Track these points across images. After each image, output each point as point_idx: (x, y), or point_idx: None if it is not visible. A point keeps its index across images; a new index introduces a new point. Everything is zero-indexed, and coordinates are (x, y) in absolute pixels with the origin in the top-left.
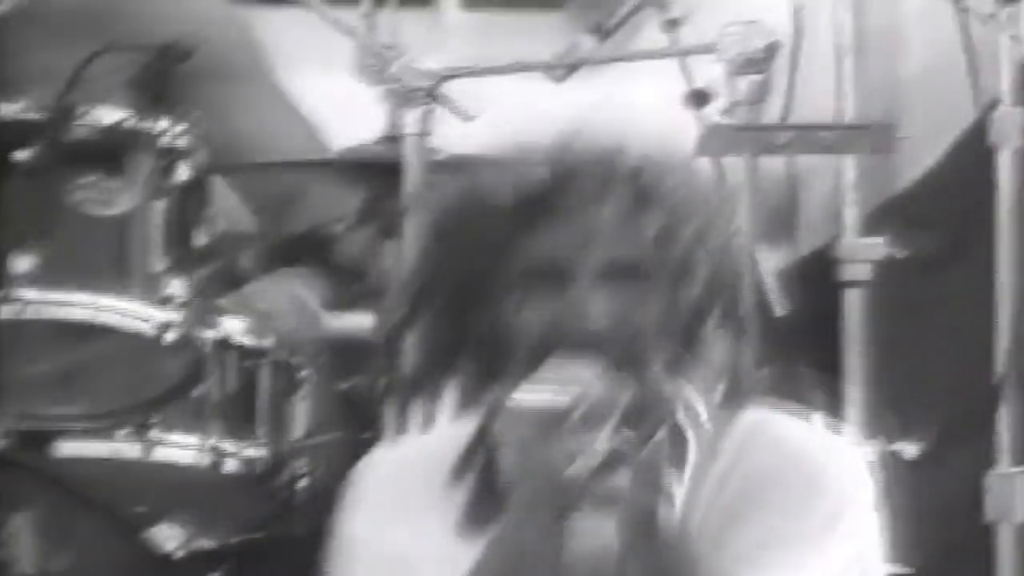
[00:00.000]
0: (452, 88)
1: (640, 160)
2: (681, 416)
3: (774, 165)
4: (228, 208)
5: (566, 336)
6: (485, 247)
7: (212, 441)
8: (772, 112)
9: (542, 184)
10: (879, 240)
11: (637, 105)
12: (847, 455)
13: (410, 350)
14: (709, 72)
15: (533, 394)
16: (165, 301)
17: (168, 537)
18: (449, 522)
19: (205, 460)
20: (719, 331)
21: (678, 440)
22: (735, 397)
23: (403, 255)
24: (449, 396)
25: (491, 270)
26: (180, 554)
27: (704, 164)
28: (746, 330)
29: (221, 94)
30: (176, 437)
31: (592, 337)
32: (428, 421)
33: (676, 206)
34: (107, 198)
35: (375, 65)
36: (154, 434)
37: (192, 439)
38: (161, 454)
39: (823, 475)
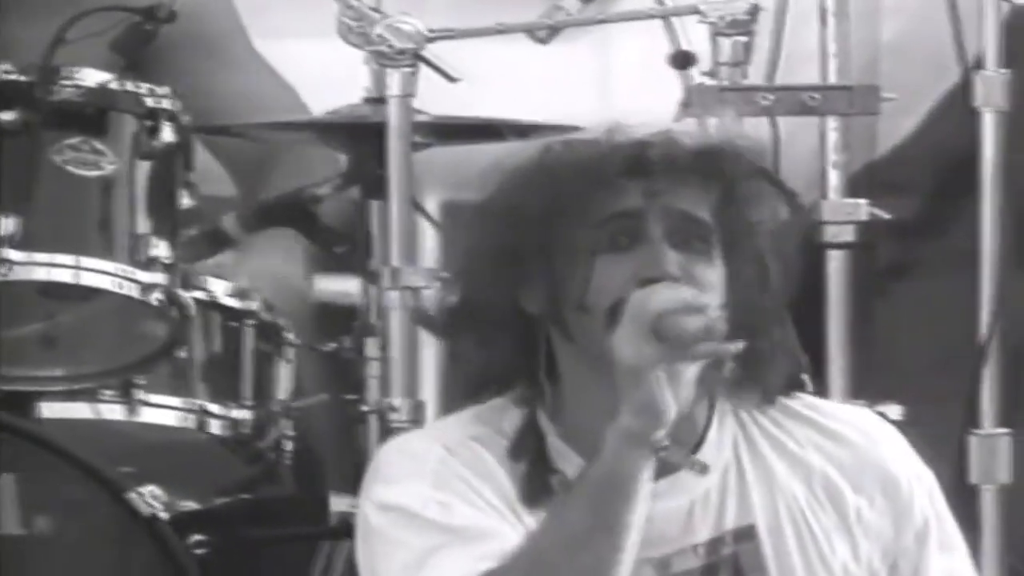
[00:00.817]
0: (436, 50)
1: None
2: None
3: (757, 127)
4: (213, 170)
5: (643, 281)
6: (566, 205)
7: (197, 403)
8: (756, 74)
9: (618, 149)
10: (862, 202)
11: (621, 66)
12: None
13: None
14: (693, 33)
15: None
16: (149, 263)
17: (152, 499)
18: (505, 499)
19: (190, 422)
20: (762, 315)
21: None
22: (770, 380)
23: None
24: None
25: (572, 226)
26: (164, 516)
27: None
28: (783, 317)
29: (201, 58)
30: (160, 399)
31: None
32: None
33: (736, 181)
34: (91, 159)
35: (359, 27)
36: (138, 396)
37: (177, 401)
38: (146, 416)
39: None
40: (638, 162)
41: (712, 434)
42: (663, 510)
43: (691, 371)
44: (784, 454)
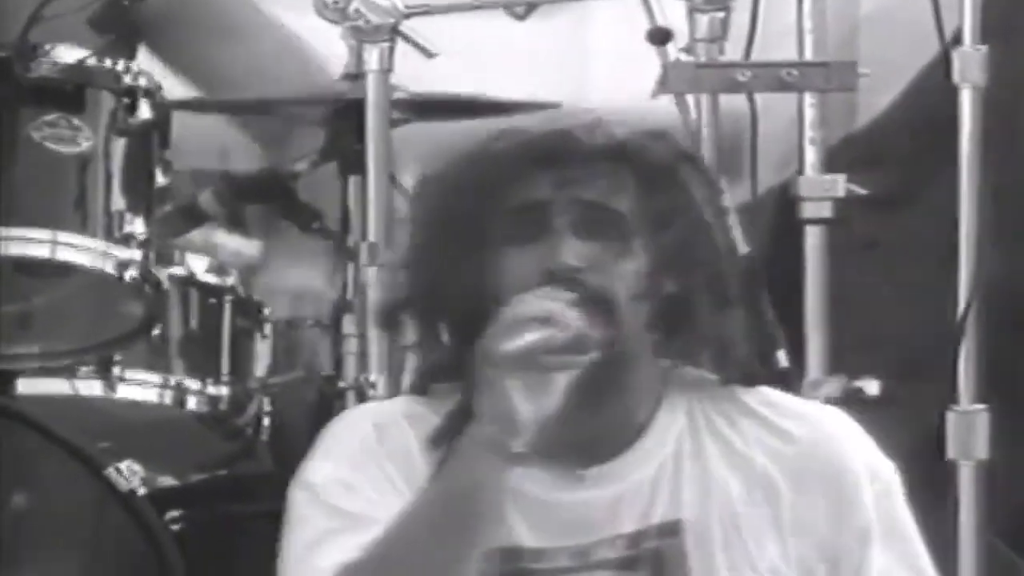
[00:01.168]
0: (413, 25)
1: (626, 129)
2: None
3: (735, 102)
4: (190, 147)
5: (545, 273)
6: (477, 192)
7: (175, 379)
8: (733, 50)
9: (533, 140)
10: (840, 178)
11: (599, 42)
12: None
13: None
14: (671, 9)
15: (512, 339)
16: (126, 239)
17: (131, 475)
18: (415, 486)
19: (167, 398)
20: (704, 302)
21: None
22: (726, 369)
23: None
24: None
25: (482, 213)
26: (142, 491)
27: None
28: (732, 303)
29: (207, 29)
30: (138, 375)
31: (568, 274)
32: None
33: (656, 170)
34: (68, 136)
35: (335, 3)
36: (116, 372)
37: (155, 377)
38: (123, 392)
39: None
40: (549, 152)
41: (655, 428)
42: (589, 498)
43: (559, 381)
44: (727, 452)
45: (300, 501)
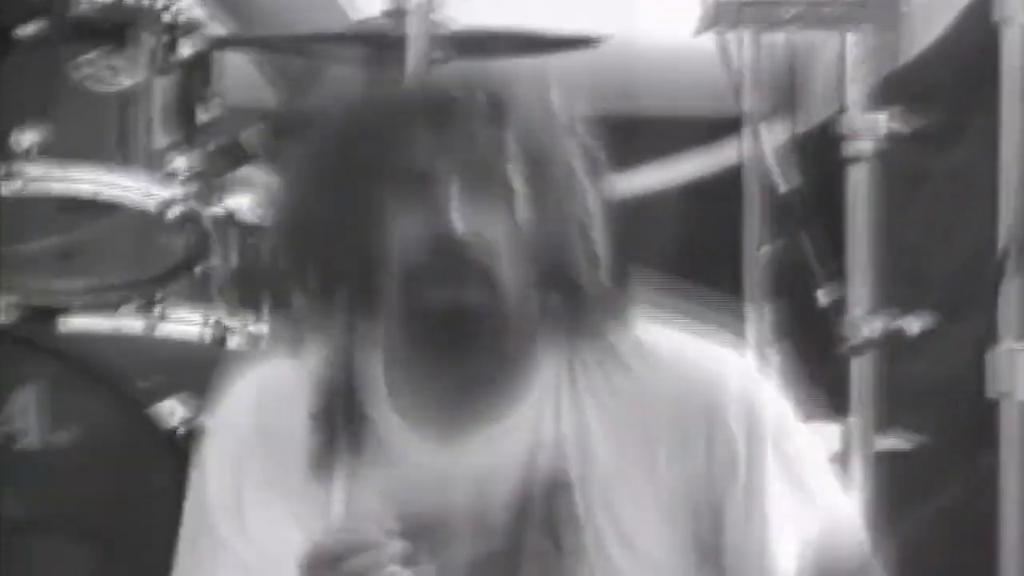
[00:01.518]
0: None
1: (500, 85)
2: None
3: (777, 40)
4: (234, 83)
5: (431, 239)
6: (358, 154)
7: (216, 317)
8: None
9: (412, 101)
10: (882, 116)
11: None
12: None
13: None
14: None
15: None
16: (169, 177)
17: (172, 413)
18: (301, 460)
19: (209, 336)
20: (581, 258)
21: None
22: (593, 316)
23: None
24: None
25: (362, 177)
26: (184, 430)
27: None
28: (600, 259)
29: None
30: (180, 313)
31: (454, 243)
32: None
33: (535, 129)
34: (110, 74)
35: None
36: (158, 310)
37: (196, 315)
38: (165, 330)
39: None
40: (430, 113)
41: (535, 387)
42: (476, 463)
43: None
44: (603, 405)
45: (192, 477)
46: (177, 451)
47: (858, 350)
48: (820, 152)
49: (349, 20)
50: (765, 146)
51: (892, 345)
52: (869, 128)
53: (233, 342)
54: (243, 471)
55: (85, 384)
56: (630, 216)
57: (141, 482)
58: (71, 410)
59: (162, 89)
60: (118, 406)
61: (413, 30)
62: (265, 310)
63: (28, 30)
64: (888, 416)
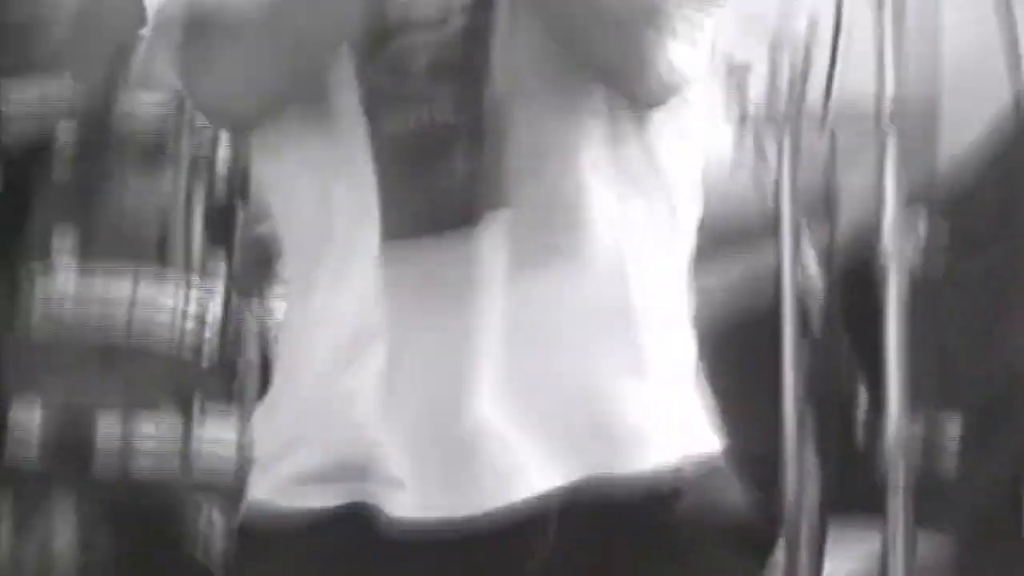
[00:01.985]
0: None
1: None
2: None
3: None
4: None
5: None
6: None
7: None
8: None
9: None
10: (920, 216)
11: None
12: None
13: None
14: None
15: None
16: (205, 295)
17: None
18: None
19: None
20: None
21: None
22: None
23: None
24: None
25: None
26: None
27: None
28: None
29: None
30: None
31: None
32: None
33: None
34: (149, 184)
35: None
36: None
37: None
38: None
39: None
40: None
41: None
42: None
43: None
44: None
45: None
46: None
47: (894, 453)
48: (857, 253)
49: None
50: (802, 249)
51: (930, 449)
52: (905, 232)
53: None
54: None
55: None
56: None
57: None
58: None
59: (200, 200)
60: None
61: None
62: None
63: (69, 134)
64: (920, 519)
